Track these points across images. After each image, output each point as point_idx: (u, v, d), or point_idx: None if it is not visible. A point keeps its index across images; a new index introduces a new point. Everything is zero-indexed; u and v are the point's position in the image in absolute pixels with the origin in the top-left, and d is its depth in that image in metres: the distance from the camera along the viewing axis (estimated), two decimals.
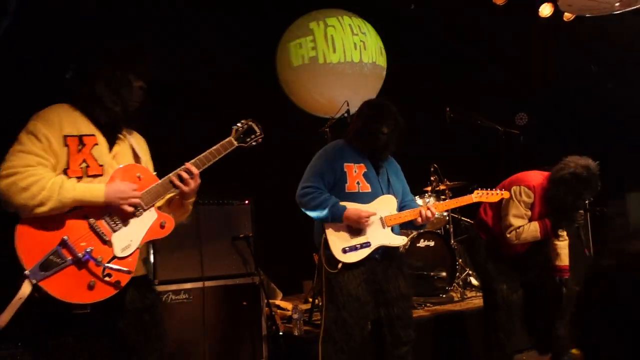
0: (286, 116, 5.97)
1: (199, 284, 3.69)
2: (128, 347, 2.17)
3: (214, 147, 2.34)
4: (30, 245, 1.95)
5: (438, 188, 5.77)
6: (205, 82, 5.31)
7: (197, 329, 3.61)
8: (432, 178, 5.84)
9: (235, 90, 5.39)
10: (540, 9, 5.96)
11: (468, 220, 6.15)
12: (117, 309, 2.13)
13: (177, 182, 2.22)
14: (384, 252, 3.09)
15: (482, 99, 6.46)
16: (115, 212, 2.10)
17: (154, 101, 2.34)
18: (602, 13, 4.82)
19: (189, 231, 3.71)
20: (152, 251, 3.52)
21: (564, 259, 3.64)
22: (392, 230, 3.10)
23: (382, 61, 5.91)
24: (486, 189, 3.43)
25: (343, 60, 5.36)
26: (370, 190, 3.09)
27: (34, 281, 1.91)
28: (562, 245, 3.65)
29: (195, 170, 2.25)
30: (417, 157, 6.04)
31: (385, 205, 3.11)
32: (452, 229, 5.82)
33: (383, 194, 3.12)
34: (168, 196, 2.31)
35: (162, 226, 2.20)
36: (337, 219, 2.95)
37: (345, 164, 3.07)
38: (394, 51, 6.30)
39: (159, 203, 2.29)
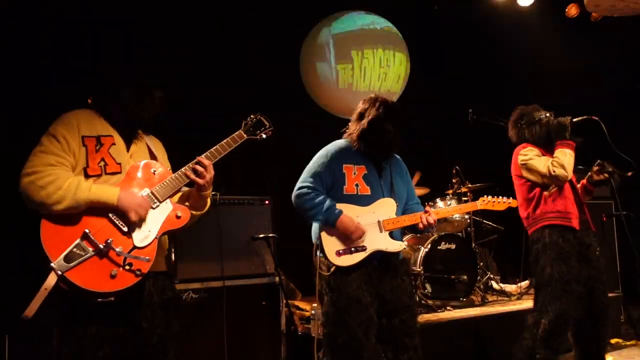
0: (307, 116, 5.96)
1: (219, 283, 3.71)
2: (144, 340, 2.22)
3: (224, 140, 2.45)
4: (55, 238, 2.05)
5: (460, 190, 5.71)
6: (231, 84, 5.35)
7: (216, 328, 3.63)
8: (453, 180, 5.78)
9: (258, 90, 5.41)
10: (567, 10, 5.87)
11: (490, 223, 6.07)
12: (137, 302, 2.20)
13: (192, 175, 2.30)
14: (382, 258, 2.95)
15: (505, 100, 6.37)
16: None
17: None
18: (635, 13, 4.71)
19: (210, 230, 3.73)
20: (173, 250, 3.55)
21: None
22: (391, 235, 2.98)
23: (397, 88, 6.48)
24: (493, 196, 3.29)
25: (368, 88, 6.23)
26: (369, 192, 2.97)
27: (60, 272, 2.00)
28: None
29: (207, 162, 2.33)
30: (439, 159, 6.00)
31: (384, 209, 2.97)
32: (473, 232, 5.75)
33: (383, 197, 3.00)
34: (185, 189, 2.40)
35: (177, 217, 2.28)
36: (331, 223, 2.85)
37: (344, 165, 2.96)
38: (416, 52, 6.26)
39: (176, 198, 2.39)
